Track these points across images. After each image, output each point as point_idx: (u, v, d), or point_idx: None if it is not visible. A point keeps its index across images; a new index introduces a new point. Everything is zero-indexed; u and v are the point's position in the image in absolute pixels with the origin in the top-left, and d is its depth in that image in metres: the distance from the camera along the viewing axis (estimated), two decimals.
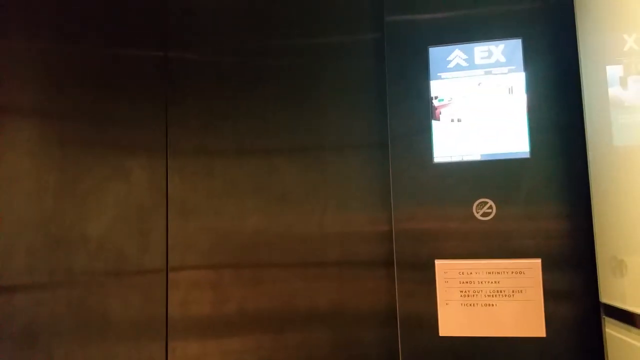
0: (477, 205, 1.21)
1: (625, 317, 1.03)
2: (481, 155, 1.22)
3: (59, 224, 1.43)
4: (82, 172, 1.44)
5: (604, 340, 1.13)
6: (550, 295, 1.17)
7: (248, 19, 1.44)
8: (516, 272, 1.18)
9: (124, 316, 1.41)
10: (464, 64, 1.25)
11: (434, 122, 1.24)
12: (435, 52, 1.27)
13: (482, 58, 1.24)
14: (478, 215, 1.21)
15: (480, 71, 1.25)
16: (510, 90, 1.23)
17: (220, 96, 1.43)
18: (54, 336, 1.41)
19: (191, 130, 1.43)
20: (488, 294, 1.18)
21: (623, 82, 1.00)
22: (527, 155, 1.21)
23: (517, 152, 1.21)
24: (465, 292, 1.19)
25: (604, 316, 1.13)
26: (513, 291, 1.18)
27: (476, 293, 1.19)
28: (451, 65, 1.26)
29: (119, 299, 1.42)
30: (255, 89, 1.43)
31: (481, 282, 1.19)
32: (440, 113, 1.24)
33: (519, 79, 1.23)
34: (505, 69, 1.24)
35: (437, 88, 1.25)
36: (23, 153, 1.45)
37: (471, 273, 1.19)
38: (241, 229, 1.40)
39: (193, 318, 1.40)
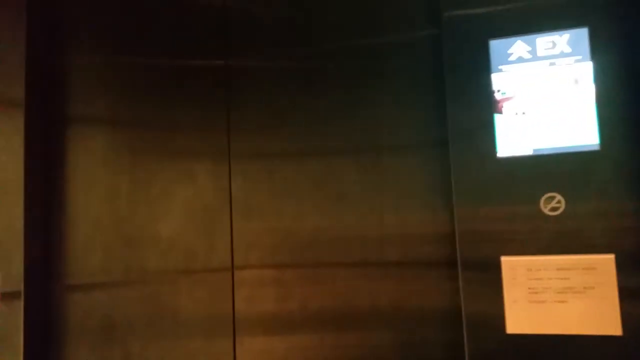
0: (545, 200, 1.18)
1: None
2: (548, 149, 1.19)
3: (131, 225, 1.52)
4: (152, 177, 1.52)
5: None
6: (625, 292, 1.12)
7: (303, 24, 1.48)
8: (588, 269, 1.13)
9: (194, 312, 1.47)
10: (527, 55, 1.22)
11: (496, 116, 1.22)
12: (495, 45, 1.24)
13: (545, 49, 1.21)
14: (546, 211, 1.18)
15: (544, 62, 1.21)
16: (577, 81, 1.19)
17: (278, 100, 1.47)
18: (130, 331, 1.49)
19: (252, 134, 1.48)
20: (558, 291, 1.15)
21: None
22: (597, 148, 1.16)
23: (585, 145, 1.17)
24: (533, 289, 1.16)
25: None
26: (585, 288, 1.13)
27: (545, 290, 1.15)
28: (513, 57, 1.23)
29: (189, 296, 1.48)
30: (312, 92, 1.45)
31: (550, 279, 1.15)
32: (503, 107, 1.22)
33: (585, 70, 1.18)
34: (570, 60, 1.20)
35: (499, 81, 1.23)
36: (97, 159, 1.55)
37: (540, 270, 1.16)
38: (301, 228, 1.43)
39: (258, 315, 1.44)
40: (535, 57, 1.22)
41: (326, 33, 1.46)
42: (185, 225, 1.49)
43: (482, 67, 1.25)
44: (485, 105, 1.24)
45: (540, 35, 1.22)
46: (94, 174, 1.55)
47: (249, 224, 1.46)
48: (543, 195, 1.18)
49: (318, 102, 1.45)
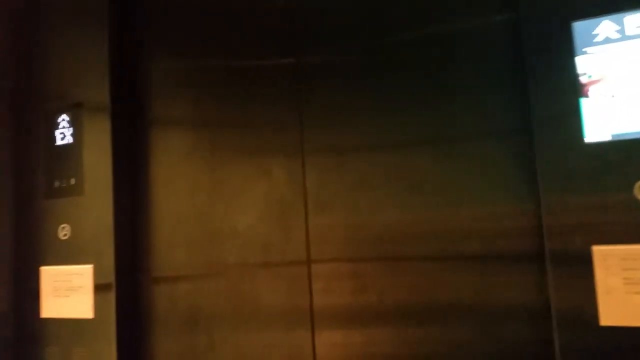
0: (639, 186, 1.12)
1: None
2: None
3: (211, 220, 1.58)
4: (230, 173, 1.58)
5: None
6: None
7: (373, 16, 1.47)
8: None
9: (272, 304, 1.51)
10: (615, 35, 1.16)
11: (583, 101, 1.17)
12: (579, 27, 1.19)
13: (636, 27, 1.15)
14: None
15: (634, 42, 1.15)
16: None
17: (350, 94, 1.48)
18: (213, 321, 1.56)
19: (325, 128, 1.50)
20: None
21: None
22: None
23: None
24: (629, 279, 1.10)
25: None
26: None
27: None
28: (599, 39, 1.18)
29: (267, 288, 1.52)
30: (385, 84, 1.45)
31: None
32: (589, 90, 1.17)
33: None
34: None
35: (584, 64, 1.18)
36: (179, 158, 1.63)
37: (636, 259, 1.10)
38: (376, 221, 1.43)
39: (336, 308, 1.45)
40: (624, 37, 1.16)
41: (397, 23, 1.45)
42: (261, 219, 1.54)
43: (565, 51, 1.20)
44: (570, 90, 1.19)
45: (629, 13, 1.16)
46: (176, 172, 1.63)
47: (324, 218, 1.48)
48: (637, 181, 1.12)
49: (391, 93, 1.44)
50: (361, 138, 1.46)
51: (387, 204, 1.43)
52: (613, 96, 1.15)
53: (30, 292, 1.63)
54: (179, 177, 1.62)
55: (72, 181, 1.59)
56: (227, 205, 1.57)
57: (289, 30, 1.56)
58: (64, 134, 1.62)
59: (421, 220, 1.40)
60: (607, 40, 1.17)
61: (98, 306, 1.56)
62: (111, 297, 1.55)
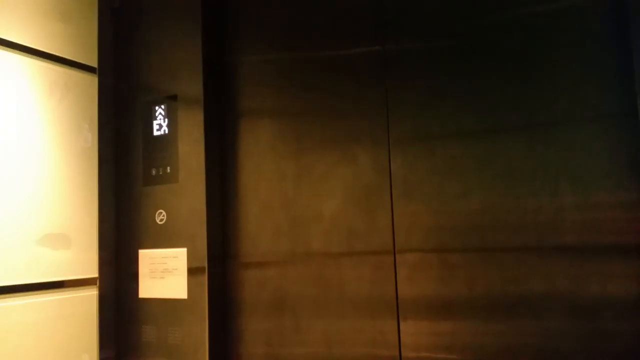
0: None
1: None
2: None
3: (297, 206, 1.62)
4: (315, 160, 1.61)
5: None
6: None
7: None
8: None
9: (357, 292, 1.53)
10: None
11: None
12: None
13: None
14: None
15: None
16: None
17: (438, 80, 1.47)
18: (298, 305, 1.59)
19: (411, 115, 1.50)
20: None
21: None
22: None
23: None
24: None
25: None
26: None
27: None
28: None
29: (352, 274, 1.54)
30: (473, 68, 1.43)
31: None
32: None
33: None
34: None
35: None
36: (266, 146, 1.68)
37: None
38: (465, 208, 1.42)
39: (422, 297, 1.45)
40: None
41: (487, 5, 1.42)
42: (347, 205, 1.56)
43: None
44: None
45: None
46: (263, 161, 1.68)
47: (410, 204, 1.48)
48: None
49: (481, 78, 1.42)
50: (449, 124, 1.45)
51: (477, 191, 1.41)
52: None
53: (129, 274, 1.74)
54: (266, 166, 1.67)
55: (168, 169, 1.68)
56: (312, 191, 1.60)
57: (376, 18, 1.57)
58: (160, 125, 1.72)
59: (513, 209, 1.36)
60: None
61: (191, 288, 1.64)
62: (203, 280, 1.62)
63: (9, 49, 1.51)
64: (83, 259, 1.66)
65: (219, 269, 1.67)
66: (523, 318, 1.34)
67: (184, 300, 1.64)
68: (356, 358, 1.51)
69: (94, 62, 1.76)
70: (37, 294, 1.51)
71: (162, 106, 1.72)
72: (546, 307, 1.32)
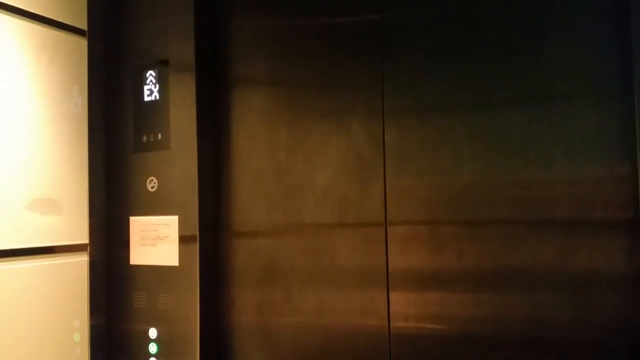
0: None
1: None
2: None
3: (290, 175, 1.61)
4: (309, 129, 1.59)
5: None
6: None
7: None
8: None
9: (348, 263, 1.53)
10: None
11: None
12: None
13: None
14: None
15: None
16: None
17: (436, 51, 1.44)
18: (290, 275, 1.60)
19: (407, 85, 1.47)
20: None
21: None
22: None
23: None
24: None
25: None
26: None
27: None
28: None
29: (343, 244, 1.54)
30: (472, 40, 1.40)
31: None
32: None
33: None
34: None
35: None
36: (260, 115, 1.66)
37: None
38: (457, 179, 1.41)
39: (411, 268, 1.45)
40: None
41: None
42: (340, 175, 1.55)
43: None
44: None
45: None
46: (256, 129, 1.66)
47: (403, 175, 1.47)
48: None
49: (477, 51, 1.39)
50: (445, 96, 1.43)
51: (469, 163, 1.40)
52: None
53: (120, 241, 1.73)
54: (259, 134, 1.65)
55: (159, 136, 1.66)
56: (305, 161, 1.59)
57: None
58: (151, 91, 1.69)
59: (505, 182, 1.36)
60: None
61: (183, 256, 1.63)
62: (195, 248, 1.62)
63: None
64: (73, 225, 1.65)
65: (210, 237, 1.66)
66: (511, 290, 1.35)
67: (175, 267, 1.64)
68: (346, 327, 1.53)
69: (83, 25, 1.71)
70: (27, 259, 1.51)
71: (153, 71, 1.68)
72: (535, 280, 1.32)
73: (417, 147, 1.46)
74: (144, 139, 1.69)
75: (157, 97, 1.68)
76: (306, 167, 1.59)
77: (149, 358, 1.66)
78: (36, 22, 1.57)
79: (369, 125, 1.51)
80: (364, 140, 1.52)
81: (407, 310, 1.47)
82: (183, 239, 1.63)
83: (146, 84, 1.69)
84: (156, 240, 1.66)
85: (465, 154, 1.40)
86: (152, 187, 1.68)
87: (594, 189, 1.26)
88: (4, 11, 1.48)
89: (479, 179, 1.38)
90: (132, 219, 1.71)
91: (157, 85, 1.68)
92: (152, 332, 1.67)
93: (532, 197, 1.33)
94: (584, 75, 1.28)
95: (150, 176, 1.68)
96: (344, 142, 1.54)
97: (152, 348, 1.66)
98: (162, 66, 1.67)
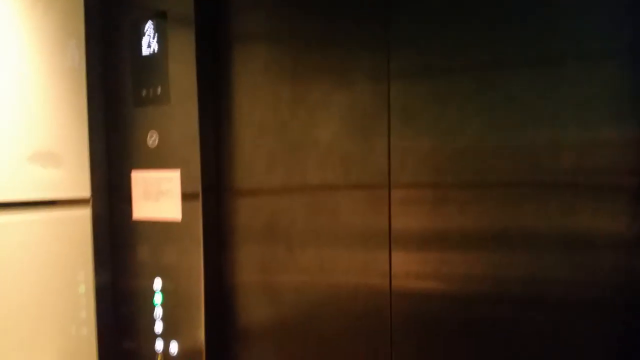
0: None
1: None
2: None
3: (292, 132, 1.58)
4: (312, 84, 1.54)
5: None
6: None
7: None
8: None
9: (351, 220, 1.52)
10: None
11: None
12: None
13: None
14: None
15: None
16: None
17: (444, 7, 1.37)
18: (291, 233, 1.60)
19: (413, 40, 1.41)
20: None
21: None
22: None
23: None
24: None
25: None
26: None
27: None
28: None
29: (346, 202, 1.53)
30: None
31: None
32: None
33: None
34: None
35: None
36: (261, 68, 1.61)
37: None
38: (462, 139, 1.37)
39: (414, 228, 1.44)
40: None
41: None
42: (343, 132, 1.51)
43: None
44: None
45: None
46: (258, 84, 1.61)
47: (408, 133, 1.43)
48: None
49: (487, 8, 1.32)
50: (452, 53, 1.36)
51: (475, 122, 1.35)
52: None
53: (122, 195, 1.74)
54: (261, 89, 1.61)
55: (159, 90, 1.63)
56: (308, 117, 1.55)
57: None
58: (149, 43, 1.64)
59: (510, 142, 1.32)
60: None
61: (185, 211, 1.64)
62: (197, 204, 1.61)
63: None
64: (75, 178, 1.65)
65: (213, 193, 1.66)
66: (513, 250, 1.34)
67: (178, 222, 1.65)
68: (348, 284, 1.54)
69: None
70: (29, 211, 1.52)
71: (151, 23, 1.63)
72: (537, 240, 1.31)
73: (423, 103, 1.41)
74: (144, 93, 1.66)
75: (156, 51, 1.63)
76: (309, 123, 1.55)
77: (154, 309, 1.70)
78: None
79: (373, 80, 1.46)
80: (368, 96, 1.48)
81: (408, 269, 1.46)
82: (185, 197, 1.63)
83: (144, 36, 1.64)
84: (159, 195, 1.66)
85: (470, 112, 1.35)
86: (153, 142, 1.66)
87: (599, 151, 1.23)
88: None
89: (484, 139, 1.34)
90: (134, 173, 1.70)
91: (156, 38, 1.63)
92: (157, 284, 1.69)
93: (537, 158, 1.29)
94: (594, 36, 1.21)
95: (151, 130, 1.66)
96: (348, 98, 1.50)
97: (157, 298, 1.69)
98: (161, 18, 1.62)
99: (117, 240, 1.75)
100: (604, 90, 1.22)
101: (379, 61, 1.45)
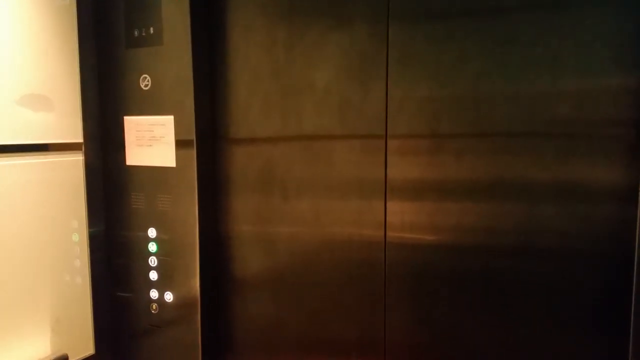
0: None
1: None
2: None
3: (289, 75, 1.53)
4: (308, 24, 1.48)
5: None
6: None
7: None
8: None
9: (346, 168, 1.49)
10: None
11: None
12: None
13: None
14: None
15: None
16: None
17: None
18: (287, 180, 1.57)
19: None
20: None
21: None
22: None
23: None
24: None
25: None
26: None
27: None
28: None
29: (342, 148, 1.49)
30: None
31: None
32: None
33: None
34: None
35: None
36: (256, 8, 1.54)
37: None
38: (461, 84, 1.33)
39: (409, 177, 1.42)
40: None
41: None
42: (340, 74, 1.46)
43: None
44: None
45: None
46: (252, 24, 1.55)
47: (406, 76, 1.38)
48: None
49: None
50: None
51: (474, 70, 1.31)
52: None
53: (115, 141, 1.70)
54: (256, 30, 1.55)
55: (151, 30, 1.57)
56: (305, 60, 1.50)
57: None
58: None
59: (509, 91, 1.28)
60: None
61: (180, 158, 1.60)
62: (192, 151, 1.58)
63: None
64: (66, 123, 1.61)
65: (208, 139, 1.62)
66: (508, 200, 1.32)
67: (172, 168, 1.62)
68: (342, 234, 1.52)
69: None
70: (20, 156, 1.49)
71: None
72: (533, 191, 1.29)
73: (422, 46, 1.36)
74: (136, 33, 1.59)
75: None
76: (305, 65, 1.50)
77: (149, 257, 1.69)
78: None
79: (372, 20, 1.40)
80: (367, 37, 1.42)
81: (403, 218, 1.44)
82: (179, 143, 1.59)
83: None
84: (152, 141, 1.62)
85: (469, 56, 1.31)
86: (146, 86, 1.61)
87: (598, 100, 1.20)
88: None
89: (482, 85, 1.31)
90: (127, 118, 1.66)
91: None
92: (152, 232, 1.68)
93: (534, 107, 1.26)
94: None
95: (144, 73, 1.61)
96: (346, 39, 1.44)
97: (152, 247, 1.69)
98: None
99: (110, 187, 1.73)
100: (604, 34, 1.18)
101: (378, 0, 1.38)
